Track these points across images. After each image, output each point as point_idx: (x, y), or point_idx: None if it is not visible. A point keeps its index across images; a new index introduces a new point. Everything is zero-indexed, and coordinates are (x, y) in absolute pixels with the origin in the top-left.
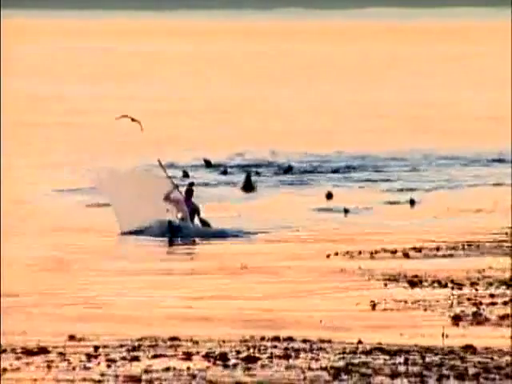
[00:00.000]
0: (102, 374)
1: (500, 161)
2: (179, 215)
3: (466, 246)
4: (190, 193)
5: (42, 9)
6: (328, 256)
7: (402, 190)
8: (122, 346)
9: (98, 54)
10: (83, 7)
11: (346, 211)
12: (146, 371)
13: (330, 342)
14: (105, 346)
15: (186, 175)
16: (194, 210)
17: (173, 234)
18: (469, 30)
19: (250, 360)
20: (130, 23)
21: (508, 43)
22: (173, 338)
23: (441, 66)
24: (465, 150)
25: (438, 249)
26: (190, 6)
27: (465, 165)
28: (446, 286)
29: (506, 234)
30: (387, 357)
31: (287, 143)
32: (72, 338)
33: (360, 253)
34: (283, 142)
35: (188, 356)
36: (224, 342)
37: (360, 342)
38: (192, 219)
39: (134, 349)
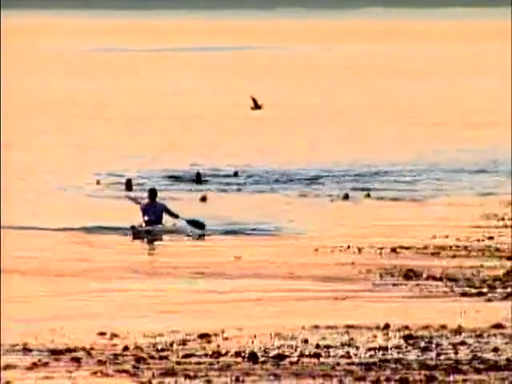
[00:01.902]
0: None
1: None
2: (146, 218)
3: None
4: (152, 194)
5: (42, 9)
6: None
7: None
8: None
9: (99, 54)
10: (83, 7)
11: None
12: None
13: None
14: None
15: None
16: (161, 210)
17: (134, 235)
18: (469, 30)
19: None
20: (129, 23)
21: (508, 43)
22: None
23: (440, 66)
24: (456, 156)
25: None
26: (191, 6)
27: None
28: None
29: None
30: None
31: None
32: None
33: (348, 247)
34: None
35: None
36: None
37: (387, 325)
38: (161, 219)
39: None
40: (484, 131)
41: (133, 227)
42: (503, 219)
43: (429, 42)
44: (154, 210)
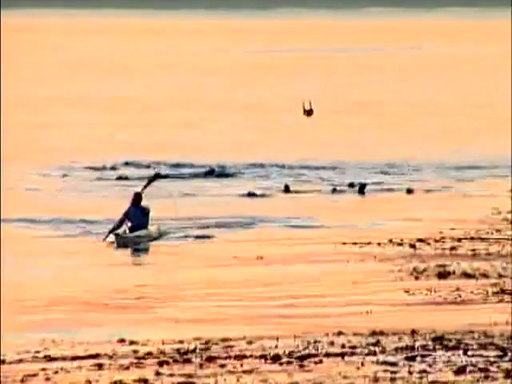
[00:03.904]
0: None
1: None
2: (129, 224)
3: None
4: (137, 198)
5: (42, 8)
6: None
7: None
8: None
9: (99, 54)
10: (83, 6)
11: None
12: None
13: None
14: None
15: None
16: (145, 215)
17: (118, 243)
18: (469, 30)
19: None
20: (128, 22)
21: (508, 43)
22: None
23: (440, 66)
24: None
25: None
26: (190, 6)
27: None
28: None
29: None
30: None
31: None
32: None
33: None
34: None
35: None
36: None
37: (414, 331)
38: (145, 224)
39: None
40: (485, 130)
41: (117, 235)
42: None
43: (429, 41)
44: (138, 214)
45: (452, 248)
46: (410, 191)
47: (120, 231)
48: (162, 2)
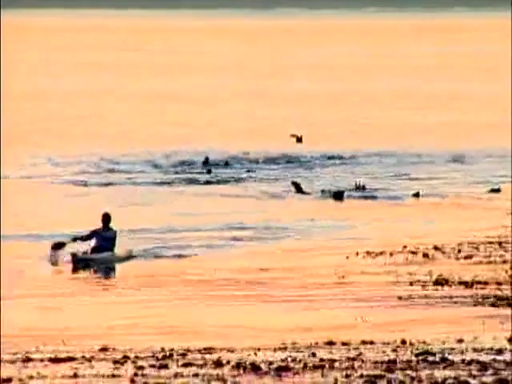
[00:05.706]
0: None
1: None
2: (93, 244)
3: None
4: (106, 219)
5: (42, 8)
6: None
7: None
8: None
9: (99, 53)
10: (83, 6)
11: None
12: None
13: None
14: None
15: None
16: (112, 238)
17: (75, 265)
18: (469, 30)
19: None
20: (127, 23)
21: (508, 43)
22: None
23: (440, 66)
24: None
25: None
26: (191, 6)
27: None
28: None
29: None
30: None
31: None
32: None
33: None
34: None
35: None
36: None
37: (404, 341)
38: (111, 247)
39: None
40: (485, 131)
41: (74, 255)
42: None
43: (429, 41)
44: (105, 236)
45: None
46: (416, 195)
47: (79, 252)
48: (163, 2)
